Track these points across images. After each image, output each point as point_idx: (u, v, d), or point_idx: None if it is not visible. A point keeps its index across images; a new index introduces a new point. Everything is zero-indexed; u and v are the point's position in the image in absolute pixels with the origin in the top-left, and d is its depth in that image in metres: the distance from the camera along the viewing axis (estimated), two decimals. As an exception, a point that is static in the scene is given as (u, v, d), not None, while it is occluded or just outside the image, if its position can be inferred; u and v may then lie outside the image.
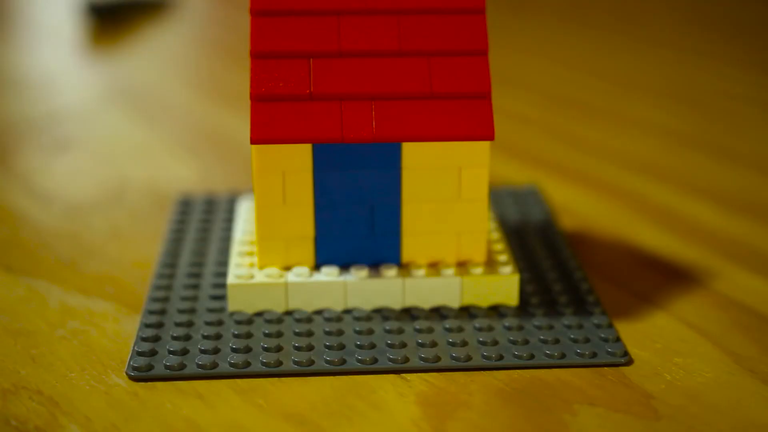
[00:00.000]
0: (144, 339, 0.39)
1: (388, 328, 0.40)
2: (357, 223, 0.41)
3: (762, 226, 0.51)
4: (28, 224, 0.51)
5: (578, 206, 0.53)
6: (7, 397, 0.35)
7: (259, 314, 0.41)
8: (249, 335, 0.39)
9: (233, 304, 0.41)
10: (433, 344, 0.39)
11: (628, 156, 0.62)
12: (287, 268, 0.42)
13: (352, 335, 0.39)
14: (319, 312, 0.41)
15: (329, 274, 0.41)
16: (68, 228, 0.50)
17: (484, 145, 0.40)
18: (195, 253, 0.47)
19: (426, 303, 0.41)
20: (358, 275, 0.41)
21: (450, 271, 0.41)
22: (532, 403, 0.35)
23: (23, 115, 0.68)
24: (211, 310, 0.41)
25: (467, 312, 0.41)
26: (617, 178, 0.57)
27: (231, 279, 0.41)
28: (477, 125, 0.39)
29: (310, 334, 0.39)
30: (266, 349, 0.38)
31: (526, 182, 0.56)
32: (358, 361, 0.37)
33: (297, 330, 0.39)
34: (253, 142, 0.38)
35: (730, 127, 0.69)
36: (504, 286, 0.41)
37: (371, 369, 0.37)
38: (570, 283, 0.44)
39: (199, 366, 0.37)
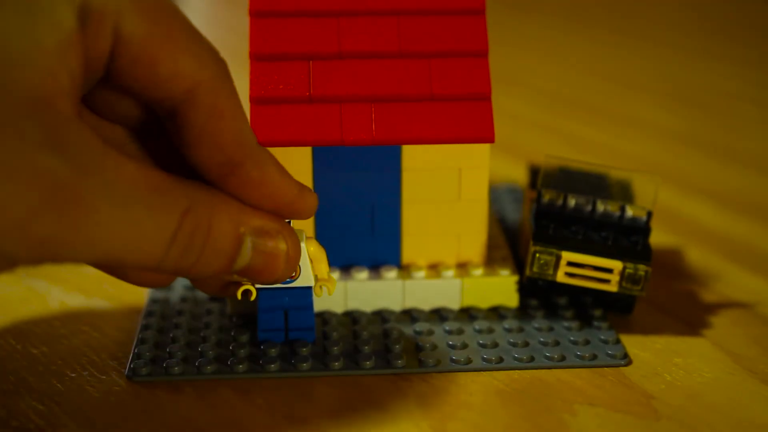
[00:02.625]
0: (144, 340, 0.39)
1: (387, 329, 0.40)
2: (357, 224, 0.41)
3: (762, 226, 0.51)
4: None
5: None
6: (7, 397, 0.35)
7: (260, 315, 0.41)
8: (249, 337, 0.39)
9: (233, 305, 0.41)
10: (434, 347, 0.39)
11: (628, 156, 0.62)
12: (287, 269, 0.42)
13: (352, 337, 0.39)
14: (319, 314, 0.41)
15: (329, 275, 0.41)
16: (68, 228, 0.50)
17: (484, 147, 0.40)
18: (195, 253, 0.47)
19: (426, 304, 0.41)
20: (358, 277, 0.41)
21: (450, 273, 0.41)
22: (532, 403, 0.35)
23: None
24: (210, 312, 0.41)
25: (467, 314, 0.41)
26: (617, 178, 0.57)
27: (231, 280, 0.41)
28: (477, 127, 0.39)
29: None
30: (266, 351, 0.38)
31: (525, 182, 0.56)
32: (358, 363, 0.37)
33: (297, 331, 0.39)
34: (253, 143, 0.38)
35: (731, 127, 0.69)
36: (504, 287, 0.41)
37: (371, 371, 0.37)
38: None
39: (199, 366, 0.37)
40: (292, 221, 0.35)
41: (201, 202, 0.31)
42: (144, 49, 0.30)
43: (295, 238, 0.34)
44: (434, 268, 0.42)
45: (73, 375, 0.37)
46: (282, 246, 0.33)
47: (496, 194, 0.53)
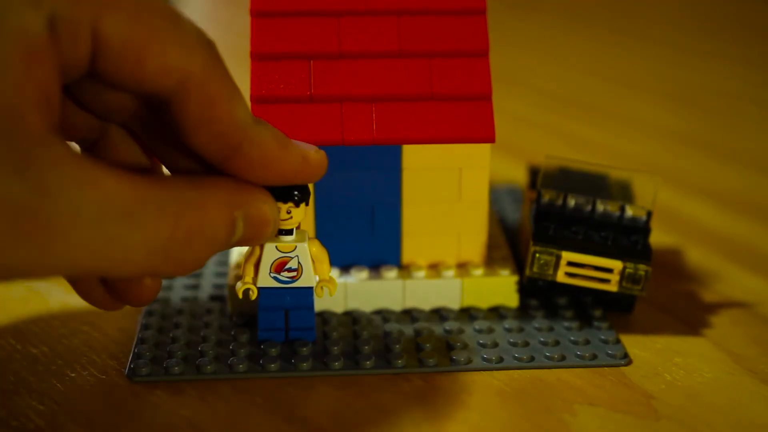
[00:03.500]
0: (144, 340, 0.39)
1: (388, 329, 0.40)
2: (357, 224, 0.41)
3: (762, 226, 0.51)
4: (29, 224, 0.51)
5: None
6: (7, 397, 0.35)
7: (260, 315, 0.41)
8: (249, 336, 0.39)
9: (233, 304, 0.41)
10: (434, 346, 0.39)
11: (628, 156, 0.62)
12: (287, 269, 0.42)
13: (352, 337, 0.39)
14: (319, 313, 0.41)
15: (329, 274, 0.41)
16: (68, 228, 0.50)
17: (484, 147, 0.40)
18: (195, 253, 0.47)
19: (426, 304, 0.41)
20: (358, 277, 0.41)
21: (450, 273, 0.41)
22: (532, 403, 0.35)
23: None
24: (210, 311, 0.41)
25: (467, 313, 0.41)
26: (617, 178, 0.57)
27: (231, 280, 0.41)
28: (478, 127, 0.39)
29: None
30: (266, 350, 0.38)
31: (525, 183, 0.56)
32: (358, 362, 0.37)
33: (297, 331, 0.39)
34: (253, 142, 0.38)
35: (731, 127, 0.69)
36: (504, 287, 0.41)
37: (372, 370, 0.37)
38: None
39: (198, 366, 0.37)
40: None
41: (191, 202, 0.30)
42: (128, 49, 0.29)
43: (272, 199, 0.34)
44: (434, 268, 0.42)
45: (73, 375, 0.37)
46: (267, 210, 0.33)
47: (496, 195, 0.53)
